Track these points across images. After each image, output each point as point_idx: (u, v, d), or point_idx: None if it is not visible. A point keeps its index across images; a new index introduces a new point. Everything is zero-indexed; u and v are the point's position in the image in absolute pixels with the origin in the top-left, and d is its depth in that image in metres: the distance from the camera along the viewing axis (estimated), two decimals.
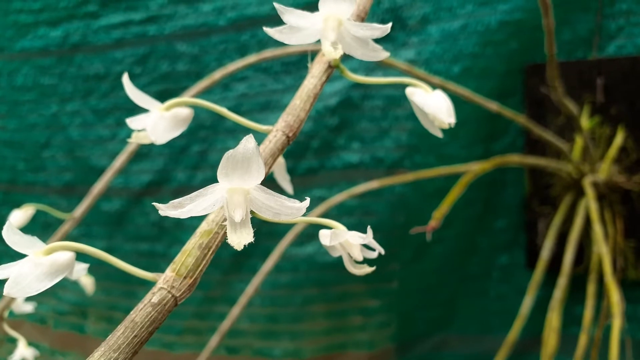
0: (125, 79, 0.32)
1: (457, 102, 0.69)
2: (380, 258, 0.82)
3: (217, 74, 0.59)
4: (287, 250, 0.74)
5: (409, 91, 0.33)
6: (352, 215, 0.74)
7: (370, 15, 0.75)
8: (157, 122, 0.32)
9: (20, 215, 0.54)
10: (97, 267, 0.91)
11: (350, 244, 0.29)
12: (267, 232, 0.76)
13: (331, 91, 0.75)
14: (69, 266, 0.24)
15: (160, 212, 0.23)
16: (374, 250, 0.30)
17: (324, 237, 0.28)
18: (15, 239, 0.24)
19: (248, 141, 0.22)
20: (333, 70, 0.33)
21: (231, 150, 0.22)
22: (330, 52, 0.29)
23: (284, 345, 0.78)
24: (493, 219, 0.76)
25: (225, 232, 0.26)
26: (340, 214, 0.74)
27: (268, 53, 0.62)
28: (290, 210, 0.24)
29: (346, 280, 0.76)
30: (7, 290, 0.23)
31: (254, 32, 0.79)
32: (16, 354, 0.57)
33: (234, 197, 0.24)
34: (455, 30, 0.69)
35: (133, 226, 0.87)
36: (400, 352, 0.79)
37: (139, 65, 0.85)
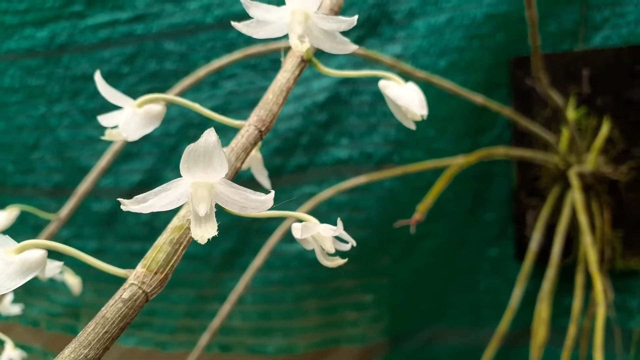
0: (98, 76, 0.32)
1: (444, 97, 0.69)
2: (370, 253, 0.82)
3: (202, 71, 0.59)
4: (278, 247, 0.74)
5: (381, 84, 0.34)
6: (341, 211, 0.74)
7: (356, 10, 0.75)
8: (130, 119, 0.32)
9: (4, 217, 0.54)
10: (88, 269, 0.90)
11: (322, 237, 0.29)
12: (257, 229, 0.77)
13: (319, 87, 0.75)
14: (40, 264, 0.25)
15: (122, 207, 0.23)
16: (346, 242, 0.30)
17: (296, 230, 0.29)
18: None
19: (209, 135, 0.22)
20: (306, 65, 0.33)
21: (192, 144, 0.22)
22: (297, 45, 0.29)
23: (277, 341, 0.78)
24: (482, 212, 0.76)
25: None
26: (329, 209, 0.74)
27: (253, 49, 0.62)
28: (255, 203, 0.24)
29: (338, 276, 0.77)
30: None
31: (240, 34, 0.79)
32: (3, 355, 0.57)
33: (198, 191, 0.24)
34: (441, 24, 0.70)
35: (124, 226, 0.87)
36: (393, 346, 0.80)
37: (126, 65, 0.85)
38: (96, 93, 1.02)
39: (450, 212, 0.75)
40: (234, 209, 0.25)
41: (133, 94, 0.78)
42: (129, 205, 0.23)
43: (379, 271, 0.77)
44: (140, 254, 0.86)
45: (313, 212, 0.72)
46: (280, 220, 0.68)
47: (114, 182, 0.86)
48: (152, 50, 0.82)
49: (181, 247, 0.26)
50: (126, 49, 0.84)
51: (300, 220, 0.29)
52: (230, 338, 0.80)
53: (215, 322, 0.56)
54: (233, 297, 0.56)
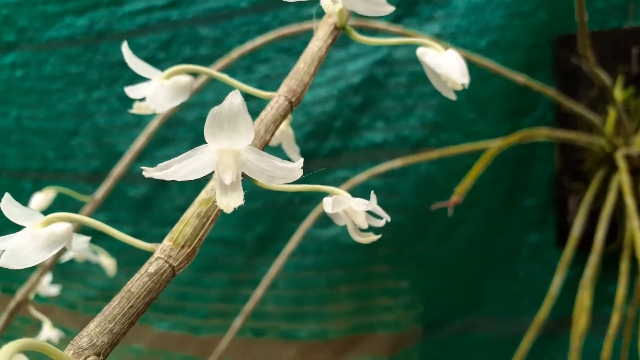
0: (125, 47, 0.31)
1: (484, 77, 0.67)
2: (405, 238, 0.81)
3: (235, 53, 0.59)
4: (311, 231, 0.74)
5: (420, 52, 0.32)
6: (377, 196, 0.73)
7: None
8: (158, 90, 0.31)
9: (41, 198, 0.55)
10: (121, 253, 0.92)
11: (354, 212, 0.28)
12: (290, 214, 0.76)
13: (354, 69, 0.74)
14: (66, 237, 0.24)
15: (144, 173, 0.22)
16: (381, 218, 0.28)
17: (327, 204, 0.27)
18: (14, 211, 0.24)
19: (234, 97, 0.21)
20: (339, 32, 0.31)
21: (216, 107, 0.21)
22: (329, 6, 0.28)
23: (310, 327, 0.77)
24: (522, 197, 0.74)
25: None
26: (364, 194, 0.73)
27: (286, 30, 0.61)
28: (283, 171, 0.23)
29: (371, 261, 0.75)
30: (3, 261, 0.23)
31: (276, 12, 0.79)
32: (41, 334, 0.58)
33: (224, 159, 0.22)
34: (481, 2, 0.68)
35: (159, 211, 0.88)
36: (428, 334, 0.78)
37: (162, 51, 0.85)
38: (133, 79, 1.03)
39: (488, 197, 0.73)
40: (262, 179, 0.24)
41: None
42: (152, 172, 0.22)
43: (413, 257, 0.76)
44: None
45: None
46: (313, 204, 0.67)
47: (150, 167, 0.87)
48: (187, 35, 0.83)
49: (209, 221, 0.25)
50: (162, 35, 0.85)
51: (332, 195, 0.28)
52: (263, 323, 0.80)
53: (249, 306, 0.56)
54: (266, 281, 0.56)
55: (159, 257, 0.24)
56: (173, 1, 0.83)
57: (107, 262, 0.59)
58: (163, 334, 0.88)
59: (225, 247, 0.81)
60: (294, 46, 0.77)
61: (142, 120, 0.88)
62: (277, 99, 0.29)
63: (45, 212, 0.25)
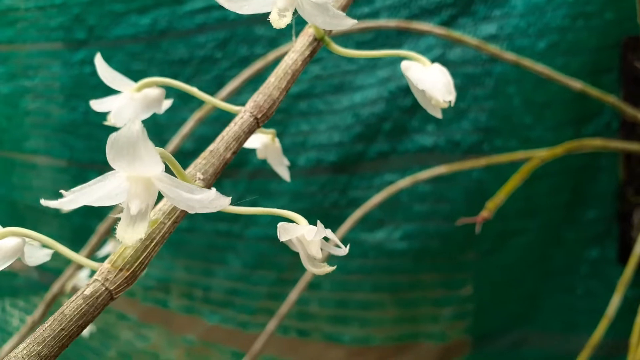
0: (98, 58, 0.30)
1: (543, 80, 0.63)
2: (454, 247, 0.78)
3: (271, 56, 0.59)
4: (356, 235, 0.73)
5: (404, 65, 0.29)
6: (424, 202, 0.71)
7: None
8: (125, 105, 0.30)
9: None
10: (178, 247, 0.94)
11: (307, 241, 0.25)
12: (336, 216, 0.75)
13: None
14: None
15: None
16: (339, 247, 0.26)
17: (279, 230, 0.25)
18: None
19: (133, 123, 0.19)
20: (320, 45, 0.29)
21: (114, 134, 0.19)
22: (275, 20, 0.26)
23: (354, 331, 0.77)
24: (582, 209, 0.69)
25: (172, 223, 0.24)
26: (411, 200, 0.71)
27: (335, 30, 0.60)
28: (190, 202, 0.21)
29: (418, 269, 0.74)
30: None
31: None
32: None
33: (133, 187, 0.21)
34: (541, 1, 0.64)
35: None
36: (477, 346, 0.75)
37: (219, 50, 0.86)
38: (192, 77, 1.05)
39: (545, 208, 0.69)
40: (182, 207, 0.22)
41: (225, 78, 0.80)
42: (51, 203, 0.21)
43: (463, 267, 0.73)
44: (226, 234, 0.88)
45: (392, 202, 0.69)
46: (356, 209, 0.66)
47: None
48: (244, 35, 0.83)
49: (153, 243, 0.24)
50: (219, 34, 0.86)
51: (288, 219, 0.26)
52: (308, 324, 0.80)
53: (283, 309, 0.56)
54: (301, 284, 0.55)
55: (96, 280, 0.23)
56: None
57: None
58: (213, 327, 0.90)
59: (273, 246, 0.81)
60: (346, 46, 0.76)
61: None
62: (242, 115, 0.27)
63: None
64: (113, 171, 0.21)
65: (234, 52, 0.85)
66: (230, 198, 0.22)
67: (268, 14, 0.25)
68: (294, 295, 0.56)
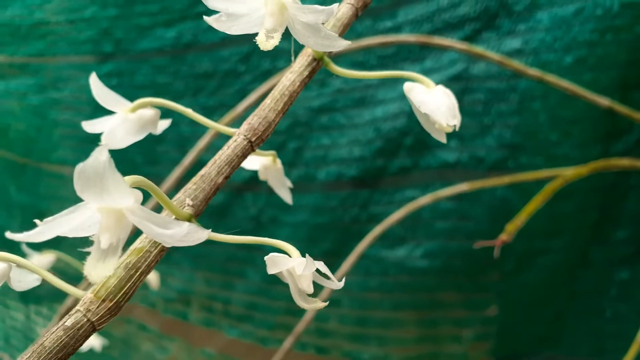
0: (93, 77, 0.29)
1: (570, 96, 0.61)
2: (477, 266, 0.76)
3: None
4: (376, 252, 0.72)
5: (406, 87, 0.29)
6: (446, 219, 0.69)
7: (473, 2, 0.70)
8: (118, 126, 0.29)
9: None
10: (198, 259, 0.94)
11: (297, 275, 0.24)
12: (356, 232, 0.74)
13: None
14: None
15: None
16: (328, 278, 0.25)
17: (267, 262, 0.24)
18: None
19: (100, 153, 0.18)
20: (319, 65, 0.28)
21: (81, 164, 0.18)
22: (262, 42, 0.25)
23: (373, 350, 0.75)
24: (611, 229, 0.67)
25: (158, 252, 0.23)
26: (433, 217, 0.70)
27: (354, 44, 0.60)
28: (162, 237, 0.20)
29: (440, 288, 0.72)
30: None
31: (352, 27, 0.77)
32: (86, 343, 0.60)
33: (105, 219, 0.20)
34: (568, 15, 0.62)
35: (234, 219, 0.89)
36: None
37: (242, 63, 0.87)
38: (216, 90, 1.06)
39: (572, 227, 0.67)
40: (158, 240, 0.21)
41: (247, 92, 0.80)
42: (18, 236, 0.20)
43: (486, 287, 0.71)
44: (246, 247, 0.87)
45: (413, 218, 0.68)
46: (377, 224, 0.65)
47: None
48: None
49: (137, 273, 0.23)
50: (243, 48, 0.86)
51: (278, 250, 0.25)
52: (327, 341, 0.79)
53: (300, 327, 0.55)
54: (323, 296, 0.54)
55: (78, 310, 0.22)
56: None
57: (151, 277, 0.60)
58: (232, 341, 0.89)
59: None
60: (368, 60, 0.75)
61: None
62: (236, 138, 0.26)
63: None
64: (84, 202, 0.20)
65: (257, 66, 0.85)
66: (209, 231, 0.21)
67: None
68: (310, 313, 0.55)
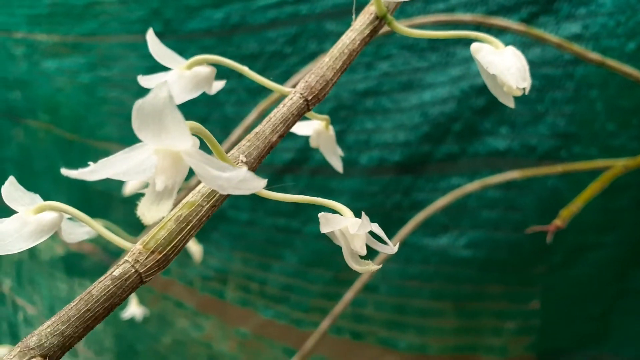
0: (150, 34, 0.29)
1: (630, 84, 0.59)
2: (523, 259, 0.74)
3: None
4: (417, 240, 0.70)
5: (474, 47, 0.27)
6: (493, 209, 0.67)
7: None
8: (175, 81, 0.29)
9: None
10: (237, 239, 0.94)
11: (350, 234, 0.23)
12: (398, 218, 0.73)
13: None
14: (54, 227, 0.23)
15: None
16: (385, 243, 0.23)
17: (321, 220, 0.23)
18: (15, 195, 0.24)
19: (160, 89, 0.17)
20: (382, 23, 0.27)
21: (140, 100, 0.18)
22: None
23: (410, 338, 0.74)
24: None
25: (210, 207, 0.23)
26: (479, 206, 0.68)
27: (407, 22, 0.58)
28: (218, 180, 0.19)
29: (483, 279, 0.70)
30: None
31: (401, 7, 0.76)
32: (127, 311, 0.60)
33: (161, 161, 0.19)
34: None
35: (273, 201, 0.89)
36: None
37: (289, 45, 0.86)
38: (261, 72, 1.05)
39: (626, 221, 0.64)
40: (212, 186, 0.20)
41: (293, 74, 0.79)
42: (73, 173, 0.19)
43: (531, 280, 0.69)
44: (285, 230, 0.88)
45: (458, 206, 0.66)
46: (419, 211, 0.64)
47: (269, 159, 0.89)
48: (314, 30, 0.82)
49: (188, 227, 0.22)
50: (290, 30, 0.85)
51: (332, 210, 0.24)
52: (363, 326, 0.78)
53: (337, 308, 0.54)
54: (357, 285, 0.53)
55: (126, 261, 0.22)
56: None
57: (195, 249, 0.60)
58: (267, 322, 0.90)
59: (330, 244, 0.80)
60: (418, 43, 0.74)
61: (266, 113, 0.90)
62: (292, 96, 0.26)
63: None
64: (141, 143, 0.19)
65: (304, 48, 0.85)
66: (265, 181, 0.20)
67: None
68: (349, 295, 0.54)
